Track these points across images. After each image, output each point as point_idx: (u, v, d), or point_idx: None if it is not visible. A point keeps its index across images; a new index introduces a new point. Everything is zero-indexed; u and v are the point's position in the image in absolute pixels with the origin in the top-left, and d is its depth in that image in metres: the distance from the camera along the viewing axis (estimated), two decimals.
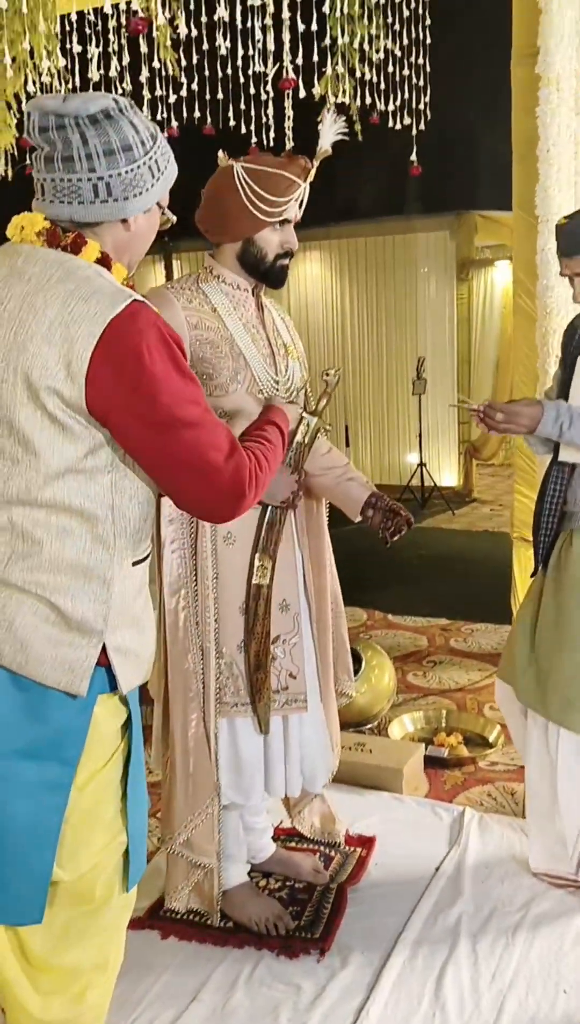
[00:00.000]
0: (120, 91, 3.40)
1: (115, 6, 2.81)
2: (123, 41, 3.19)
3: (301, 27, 3.02)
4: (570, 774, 2.38)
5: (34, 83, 3.08)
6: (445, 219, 8.66)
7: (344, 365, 9.32)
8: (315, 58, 3.25)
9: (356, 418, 9.39)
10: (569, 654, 2.35)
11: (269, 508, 2.26)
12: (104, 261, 1.51)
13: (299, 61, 3.17)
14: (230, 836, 2.44)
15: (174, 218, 1.66)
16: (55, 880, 1.55)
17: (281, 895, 2.54)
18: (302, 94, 3.16)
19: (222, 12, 2.98)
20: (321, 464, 2.42)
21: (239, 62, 3.29)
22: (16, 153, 3.78)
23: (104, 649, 1.53)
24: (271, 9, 2.96)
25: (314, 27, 3.04)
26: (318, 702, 2.48)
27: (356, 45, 3.17)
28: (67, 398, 1.42)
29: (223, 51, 3.20)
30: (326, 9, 2.98)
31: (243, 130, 3.47)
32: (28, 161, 3.77)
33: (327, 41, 3.17)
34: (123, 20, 2.76)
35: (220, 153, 2.24)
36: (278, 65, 3.15)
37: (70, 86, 3.37)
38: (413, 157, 3.34)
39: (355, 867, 2.66)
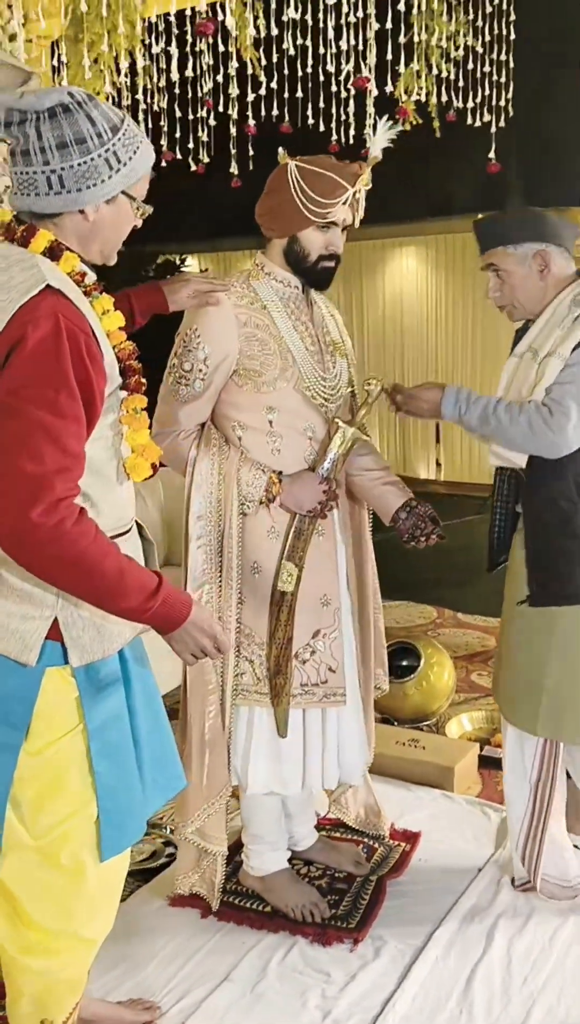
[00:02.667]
0: (201, 91, 3.48)
1: (194, 8, 2.87)
2: (202, 45, 3.26)
3: (376, 26, 3.03)
4: (511, 767, 2.44)
5: (114, 84, 3.18)
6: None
7: (437, 360, 9.25)
8: (398, 55, 3.24)
9: None
10: (510, 654, 2.40)
11: (297, 516, 2.29)
12: (53, 251, 1.57)
13: (378, 59, 3.18)
14: (270, 823, 2.49)
15: (149, 209, 1.69)
16: (22, 842, 1.64)
17: (320, 883, 2.58)
18: (375, 92, 3.17)
19: (300, 13, 3.01)
20: (359, 465, 2.45)
21: (321, 60, 3.32)
22: None
23: (56, 623, 1.60)
24: (347, 9, 2.97)
25: (388, 25, 3.05)
26: (357, 696, 2.51)
27: (435, 42, 3.16)
28: None
29: (301, 50, 3.23)
30: (402, 7, 2.97)
31: (322, 128, 3.49)
32: None
33: (402, 39, 3.17)
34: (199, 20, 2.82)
35: (280, 150, 2.28)
36: (357, 63, 3.16)
37: (152, 86, 3.46)
38: (491, 155, 3.31)
39: (398, 861, 2.68)
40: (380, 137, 2.26)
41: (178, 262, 10.29)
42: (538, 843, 2.41)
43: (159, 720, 1.86)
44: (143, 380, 1.72)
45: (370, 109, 3.49)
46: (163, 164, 3.98)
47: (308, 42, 3.24)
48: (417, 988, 2.20)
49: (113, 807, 1.68)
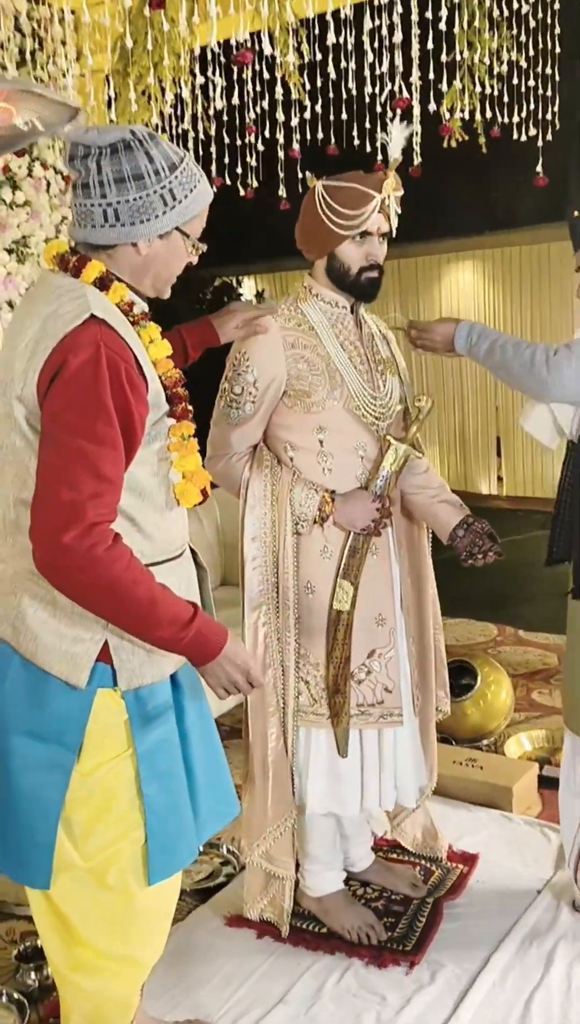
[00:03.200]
0: (248, 118, 3.53)
1: (239, 40, 2.92)
2: (247, 74, 3.32)
3: (418, 46, 3.05)
4: (567, 781, 2.40)
5: (160, 114, 3.24)
6: None
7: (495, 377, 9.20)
8: (441, 73, 3.26)
9: (508, 426, 9.23)
10: (569, 654, 2.35)
11: (351, 535, 2.29)
12: (103, 281, 1.63)
13: (423, 78, 3.19)
14: (325, 843, 2.49)
15: (204, 247, 1.73)
16: (73, 862, 1.66)
17: (377, 905, 2.56)
18: (418, 110, 3.18)
19: (342, 37, 3.04)
20: (415, 483, 2.44)
21: (365, 82, 3.35)
22: None
23: (107, 645, 1.63)
24: (387, 32, 3.00)
25: (430, 46, 3.06)
26: (412, 716, 2.49)
27: (478, 59, 3.16)
28: (29, 408, 1.57)
29: (344, 73, 3.26)
30: (443, 27, 2.99)
31: (368, 148, 3.52)
32: None
33: (445, 58, 3.17)
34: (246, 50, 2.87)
35: (308, 174, 2.30)
36: (400, 83, 3.18)
37: (201, 115, 3.52)
38: (539, 168, 3.30)
39: (455, 883, 2.65)
40: (396, 138, 2.26)
41: (235, 284, 10.42)
42: None
43: (213, 748, 1.88)
44: (190, 407, 1.75)
45: (416, 127, 3.51)
46: (214, 189, 4.04)
47: (352, 64, 3.27)
48: (473, 1013, 2.18)
49: (162, 831, 1.70)
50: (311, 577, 2.32)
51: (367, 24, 3.15)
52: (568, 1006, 2.19)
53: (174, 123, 3.65)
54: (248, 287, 10.79)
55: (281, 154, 3.72)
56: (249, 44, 2.87)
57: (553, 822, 2.94)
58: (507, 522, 7.93)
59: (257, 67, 3.54)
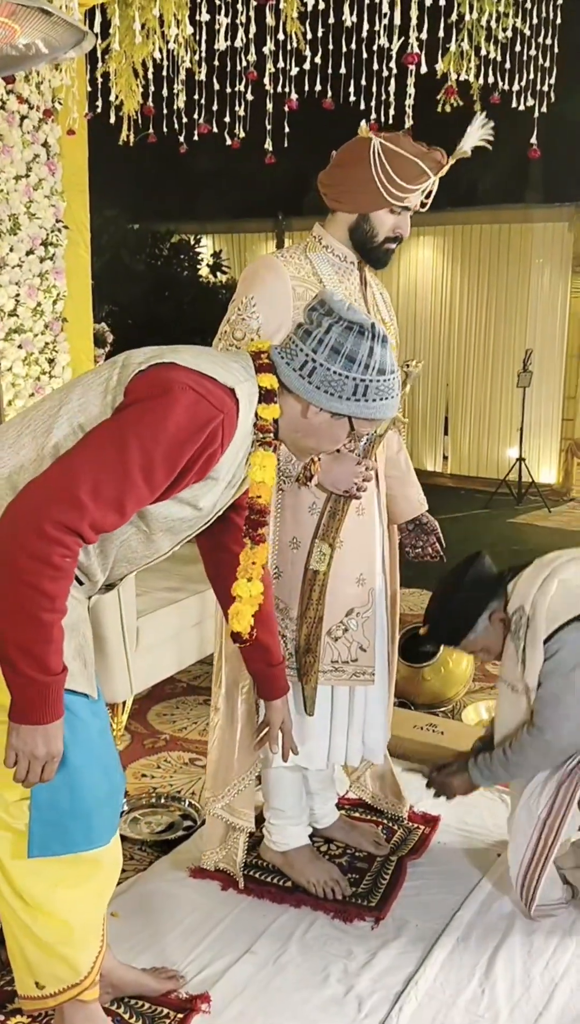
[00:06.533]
0: (244, 63, 3.44)
1: None
2: (251, 13, 3.22)
3: (428, 2, 2.99)
4: (526, 802, 2.38)
5: (161, 50, 3.13)
6: (565, 210, 8.50)
7: (449, 352, 9.24)
8: (440, 34, 3.21)
9: (457, 406, 9.30)
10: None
11: (332, 497, 2.27)
12: (269, 395, 1.70)
13: (423, 36, 3.14)
14: (291, 798, 2.49)
15: (348, 443, 1.82)
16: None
17: (341, 862, 2.57)
18: (424, 70, 3.13)
19: None
20: (391, 462, 2.48)
21: (364, 34, 3.29)
22: (140, 120, 3.85)
23: None
24: None
25: (442, 2, 3.01)
26: (385, 676, 2.50)
27: (483, 22, 3.13)
28: (120, 379, 1.63)
29: (348, 23, 3.19)
30: None
31: (362, 106, 3.46)
32: (150, 129, 3.81)
33: (454, 17, 3.13)
34: None
35: (363, 123, 2.25)
36: (403, 40, 3.13)
37: (197, 56, 3.42)
38: (533, 139, 3.28)
39: (417, 843, 2.68)
40: (474, 134, 2.21)
41: (193, 241, 10.25)
42: (536, 879, 2.33)
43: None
44: (265, 534, 1.79)
45: (410, 90, 3.46)
46: (195, 138, 3.95)
47: (354, 17, 3.20)
48: (438, 968, 2.20)
49: (50, 805, 1.65)
50: (298, 532, 2.30)
51: None
52: (530, 964, 2.22)
53: (167, 62, 3.54)
54: (207, 246, 10.63)
55: (270, 106, 3.63)
56: None
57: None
58: (450, 500, 8.01)
59: (253, 13, 3.45)
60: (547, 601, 2.22)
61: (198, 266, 10.14)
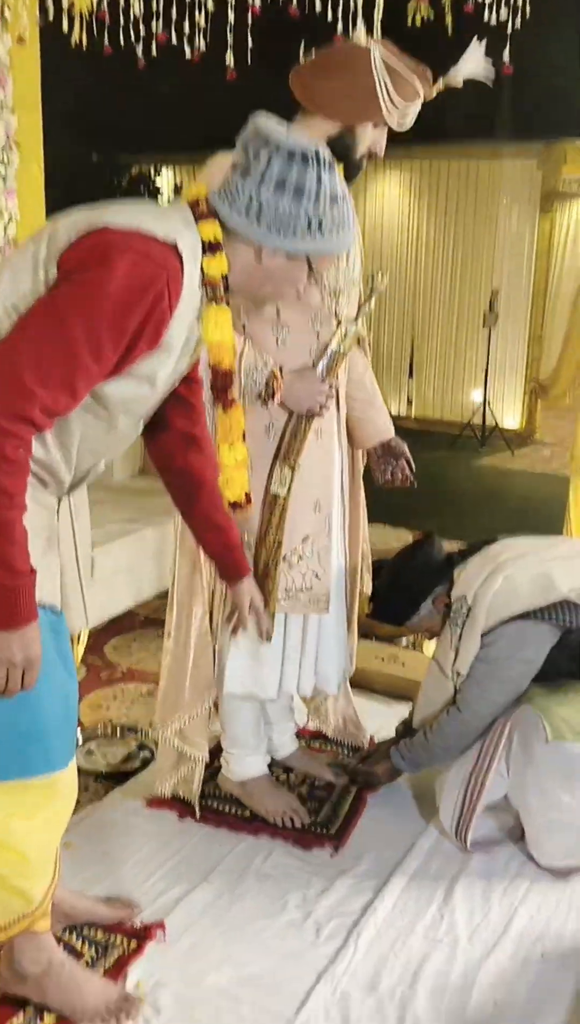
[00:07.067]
0: None
1: None
2: None
3: None
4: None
5: None
6: (533, 147, 8.33)
7: (415, 293, 9.11)
8: None
9: (422, 348, 9.20)
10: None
11: (294, 416, 2.19)
12: (213, 245, 1.54)
13: None
14: (249, 728, 2.44)
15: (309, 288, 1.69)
16: None
17: (300, 791, 2.54)
18: None
19: None
20: (350, 390, 2.39)
21: None
22: (95, 28, 3.66)
23: None
24: None
25: None
26: (341, 605, 2.44)
27: None
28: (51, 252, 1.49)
29: None
30: None
31: (329, 17, 3.30)
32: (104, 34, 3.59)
33: None
34: None
35: (360, 27, 2.14)
36: None
37: None
38: (506, 56, 3.15)
39: None
40: (470, 63, 2.11)
41: (153, 173, 9.96)
42: (467, 826, 2.32)
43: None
44: (236, 398, 1.72)
45: (378, 2, 3.31)
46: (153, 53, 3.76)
47: None
48: (397, 895, 2.18)
49: None
50: (253, 455, 2.21)
51: None
52: (490, 890, 2.21)
53: None
54: (167, 178, 10.32)
55: (231, 16, 3.46)
56: None
57: None
58: (414, 442, 7.92)
59: None
60: (489, 596, 2.25)
61: (158, 200, 9.87)
